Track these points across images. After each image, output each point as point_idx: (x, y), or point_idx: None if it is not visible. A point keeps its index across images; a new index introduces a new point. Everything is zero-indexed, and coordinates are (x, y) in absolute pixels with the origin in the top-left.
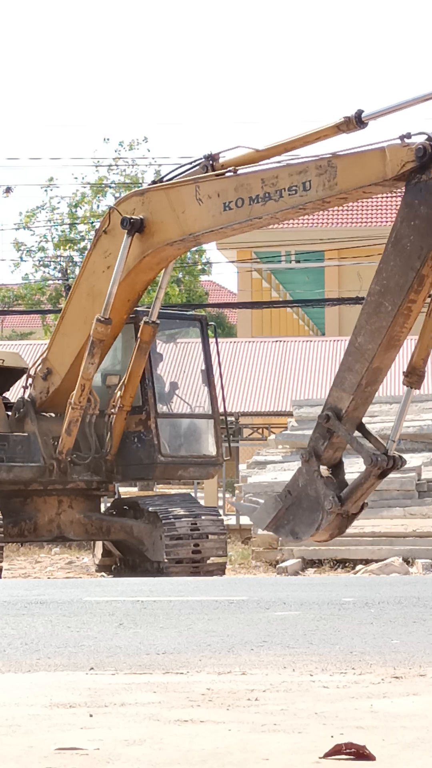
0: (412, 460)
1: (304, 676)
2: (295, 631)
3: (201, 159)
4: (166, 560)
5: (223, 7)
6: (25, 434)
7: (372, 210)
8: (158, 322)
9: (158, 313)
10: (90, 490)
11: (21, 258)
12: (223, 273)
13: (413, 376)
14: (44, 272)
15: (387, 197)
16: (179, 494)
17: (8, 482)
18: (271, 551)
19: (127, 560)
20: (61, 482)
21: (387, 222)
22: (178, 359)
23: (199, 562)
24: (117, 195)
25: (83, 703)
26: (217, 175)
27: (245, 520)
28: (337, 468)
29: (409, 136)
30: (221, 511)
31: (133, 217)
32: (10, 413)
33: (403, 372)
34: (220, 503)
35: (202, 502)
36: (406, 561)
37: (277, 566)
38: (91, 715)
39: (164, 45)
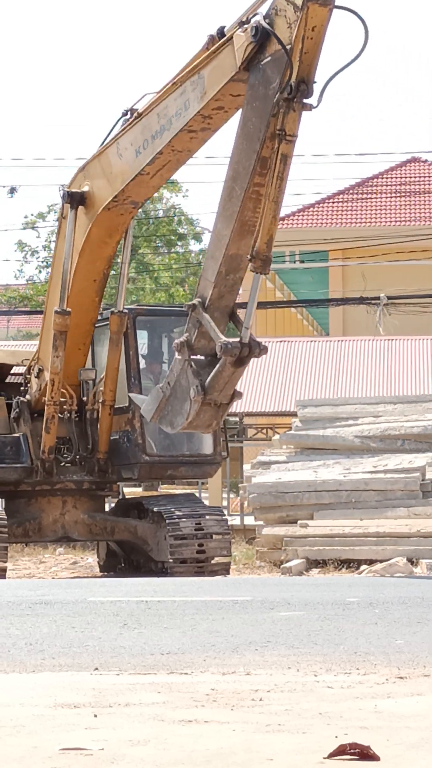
0: (417, 460)
1: (309, 676)
2: (299, 632)
3: (120, 116)
4: (170, 560)
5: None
6: (17, 435)
7: (377, 210)
8: (125, 311)
9: (161, 311)
10: (92, 490)
11: (24, 259)
12: None
13: (257, 261)
14: (48, 273)
15: (392, 197)
16: (183, 494)
17: None
18: (275, 551)
19: (132, 560)
20: (48, 482)
21: (392, 222)
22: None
23: (204, 562)
24: None
25: (88, 704)
26: (128, 125)
27: (250, 521)
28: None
29: (248, 21)
30: (225, 512)
31: (73, 190)
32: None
33: (249, 258)
34: (225, 503)
35: (206, 502)
36: (411, 561)
37: (282, 566)
38: (95, 716)
39: (169, 44)
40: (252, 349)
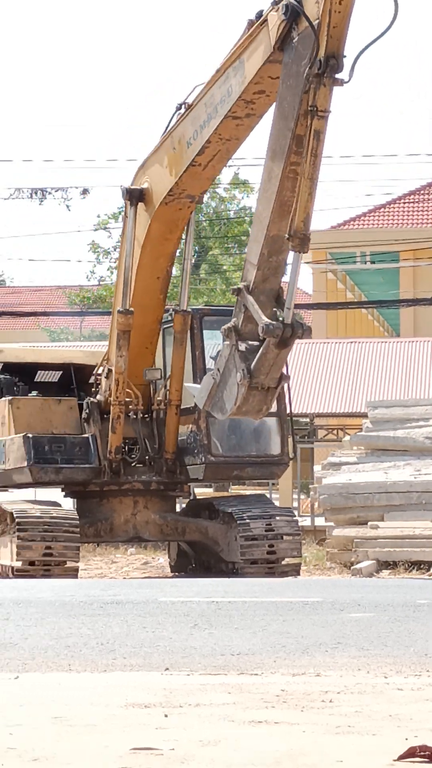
0: None
1: (379, 678)
2: (369, 633)
3: (174, 110)
4: (240, 561)
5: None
6: (86, 436)
7: None
8: (189, 310)
9: (228, 311)
10: (163, 491)
11: (97, 260)
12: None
13: (295, 240)
14: None
15: None
16: (254, 495)
17: (58, 483)
18: (345, 552)
19: (202, 561)
20: (115, 483)
21: None
22: None
23: (274, 563)
24: None
25: (158, 704)
26: (180, 118)
27: (320, 522)
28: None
29: (279, 0)
30: (296, 513)
31: (132, 186)
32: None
33: (286, 236)
34: (295, 504)
35: (276, 503)
36: None
37: (352, 568)
38: (166, 716)
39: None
40: (295, 330)
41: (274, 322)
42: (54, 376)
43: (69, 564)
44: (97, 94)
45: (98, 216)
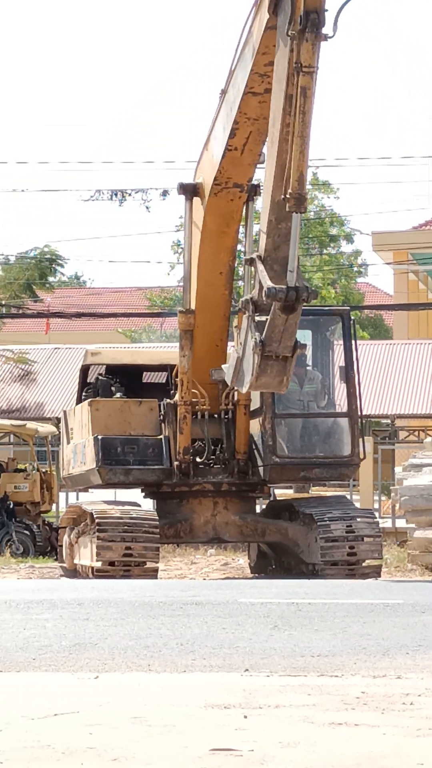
0: None
1: None
2: None
3: (219, 99)
4: (321, 562)
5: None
6: (159, 437)
7: None
8: None
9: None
10: (242, 491)
11: (178, 260)
12: (379, 275)
13: (291, 200)
14: None
15: None
16: (334, 496)
17: (128, 485)
18: (427, 554)
19: (282, 562)
20: (185, 484)
21: None
22: (320, 356)
23: (355, 565)
24: None
25: (238, 705)
26: (218, 105)
27: (401, 523)
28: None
29: None
30: (377, 514)
31: (184, 181)
32: None
33: (282, 198)
34: (376, 506)
35: (357, 505)
36: None
37: None
38: (245, 717)
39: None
40: (299, 293)
41: (276, 286)
42: (162, 377)
43: (149, 564)
44: (178, 95)
45: (180, 217)
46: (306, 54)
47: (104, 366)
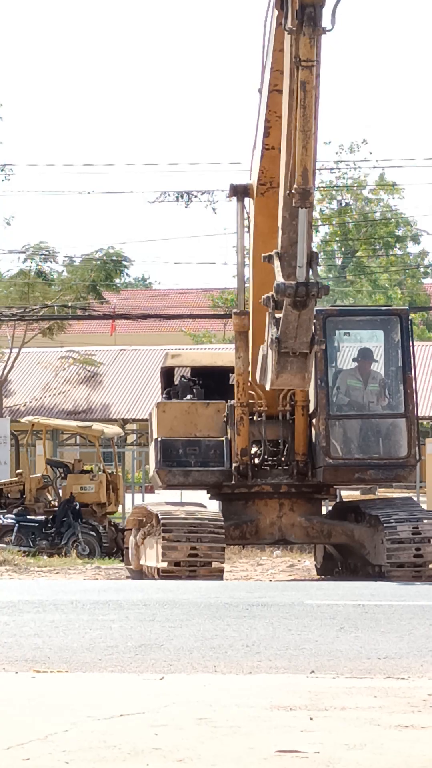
0: None
1: None
2: None
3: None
4: (387, 564)
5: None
6: (221, 439)
7: None
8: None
9: (358, 310)
10: (307, 493)
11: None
12: None
13: (296, 195)
14: None
15: None
16: (401, 498)
17: (188, 486)
18: None
19: (349, 564)
20: (244, 485)
21: None
22: (378, 356)
23: (421, 567)
24: (340, 198)
25: (303, 706)
26: (258, 106)
27: None
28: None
29: None
30: None
31: (235, 182)
32: None
33: (288, 193)
34: None
35: (424, 506)
36: None
37: None
38: (311, 719)
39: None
40: (309, 289)
41: (286, 282)
42: None
43: (214, 565)
44: (245, 94)
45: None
46: (304, 48)
47: (189, 368)
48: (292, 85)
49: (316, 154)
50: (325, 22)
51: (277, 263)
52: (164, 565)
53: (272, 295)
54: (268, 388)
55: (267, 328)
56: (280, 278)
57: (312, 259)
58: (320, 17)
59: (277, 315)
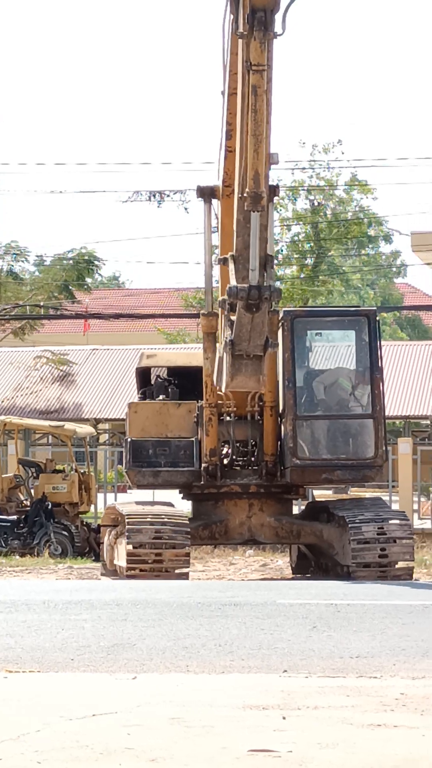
0: None
1: None
2: None
3: None
4: (353, 564)
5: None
6: (191, 439)
7: None
8: (275, 310)
9: (326, 311)
10: (277, 493)
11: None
12: (418, 275)
13: (247, 199)
14: None
15: None
16: (370, 498)
17: (157, 486)
18: None
19: (321, 564)
20: (213, 486)
21: None
22: (345, 357)
23: (386, 567)
24: (312, 198)
25: (276, 706)
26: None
27: None
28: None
29: None
30: (416, 515)
31: (202, 184)
32: None
33: (239, 197)
34: (415, 507)
35: (396, 506)
36: None
37: None
38: (284, 718)
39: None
40: (262, 292)
41: (239, 285)
42: None
43: (179, 565)
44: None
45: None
46: (255, 52)
47: (165, 368)
48: (244, 89)
49: (269, 158)
50: (277, 27)
51: (231, 266)
52: (129, 563)
53: (225, 299)
54: (223, 390)
55: (221, 331)
56: (233, 281)
57: (266, 263)
58: (271, 22)
59: (232, 317)
